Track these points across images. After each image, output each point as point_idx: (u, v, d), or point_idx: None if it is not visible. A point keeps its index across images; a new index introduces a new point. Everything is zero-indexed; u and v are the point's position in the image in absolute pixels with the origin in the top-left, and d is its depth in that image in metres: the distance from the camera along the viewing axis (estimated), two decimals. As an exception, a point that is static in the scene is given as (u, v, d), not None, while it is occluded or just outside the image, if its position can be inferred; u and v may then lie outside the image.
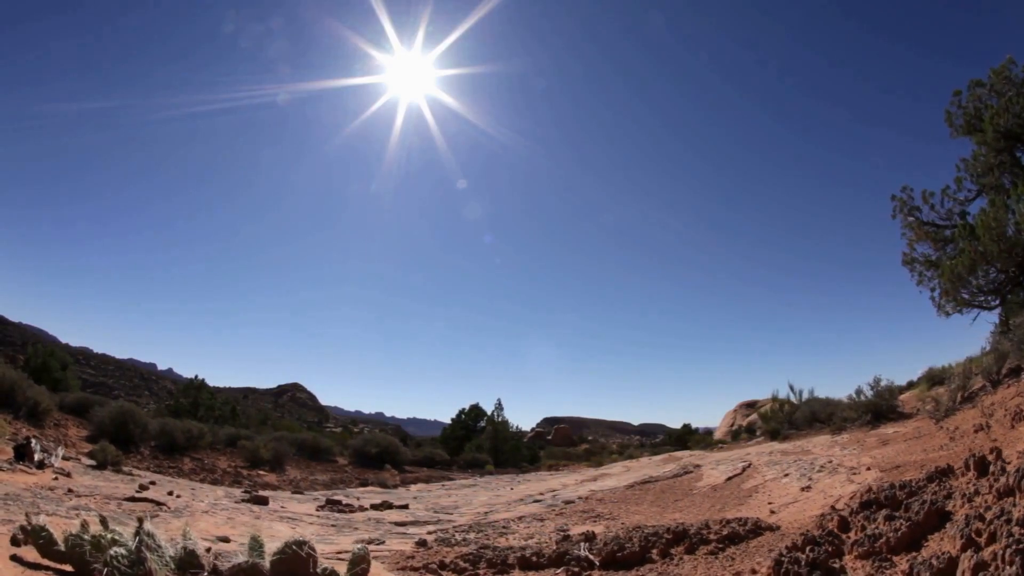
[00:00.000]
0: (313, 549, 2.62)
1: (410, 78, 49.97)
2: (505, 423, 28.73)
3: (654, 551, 3.40)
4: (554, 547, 3.74)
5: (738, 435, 33.92)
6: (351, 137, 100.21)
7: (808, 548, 2.39)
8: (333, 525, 7.09)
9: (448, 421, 31.33)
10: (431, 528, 6.99)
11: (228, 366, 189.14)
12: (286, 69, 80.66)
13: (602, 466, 18.98)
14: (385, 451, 18.12)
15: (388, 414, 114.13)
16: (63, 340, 57.12)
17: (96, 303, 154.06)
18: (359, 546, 2.80)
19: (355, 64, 70.31)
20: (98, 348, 69.70)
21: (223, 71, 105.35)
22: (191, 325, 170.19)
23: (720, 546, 3.37)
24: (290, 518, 7.34)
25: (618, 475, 11.43)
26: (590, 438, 54.71)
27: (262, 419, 36.07)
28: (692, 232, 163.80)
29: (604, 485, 9.61)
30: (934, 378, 13.71)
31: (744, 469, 8.21)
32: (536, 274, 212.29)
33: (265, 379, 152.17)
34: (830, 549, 2.35)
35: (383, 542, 5.54)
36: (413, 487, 14.47)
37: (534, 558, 3.54)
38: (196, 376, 26.21)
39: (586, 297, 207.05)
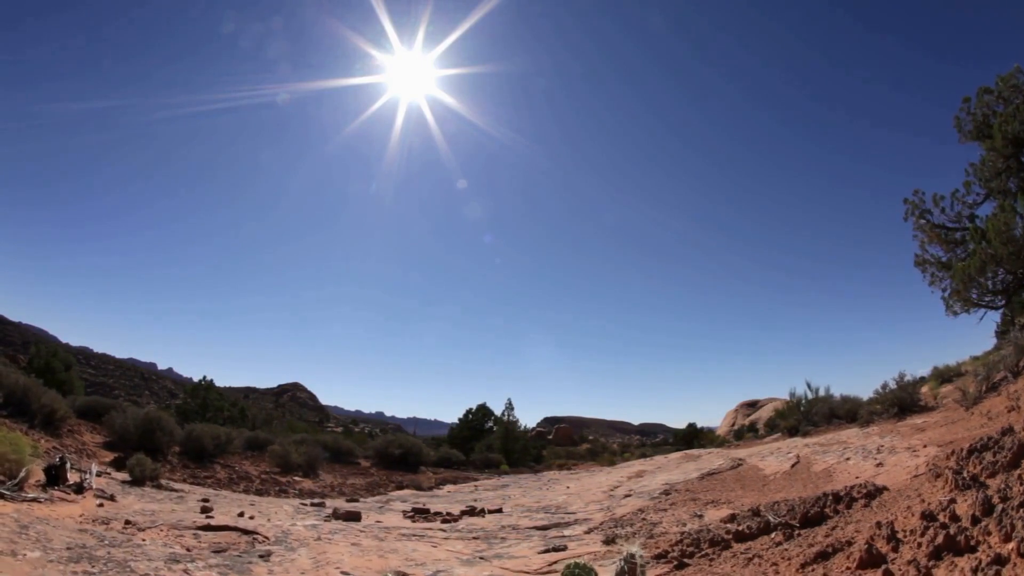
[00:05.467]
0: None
1: (410, 78, 50.53)
2: (515, 423, 29.05)
3: (827, 509, 4.05)
4: (726, 525, 4.20)
5: (741, 434, 34.56)
6: (351, 137, 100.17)
7: (964, 472, 3.50)
8: (475, 538, 6.43)
9: (448, 420, 31.60)
10: (579, 530, 6.57)
11: (228, 366, 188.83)
12: (286, 69, 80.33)
13: (616, 465, 19.28)
14: (409, 452, 18.13)
15: (388, 414, 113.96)
16: (63, 340, 56.15)
17: (96, 303, 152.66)
18: (637, 550, 2.95)
19: (355, 64, 70.43)
20: (98, 348, 69.07)
21: (223, 71, 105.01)
22: (191, 325, 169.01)
23: (867, 501, 4.24)
24: (416, 535, 6.57)
25: (657, 472, 11.75)
26: (591, 438, 55.11)
27: (267, 419, 35.90)
28: (692, 232, 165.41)
29: (669, 478, 9.85)
30: (942, 375, 14.35)
31: (798, 459, 8.69)
32: (536, 274, 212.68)
33: (265, 379, 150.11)
34: (968, 476, 3.39)
35: (565, 548, 5.40)
36: (445, 488, 14.47)
37: (746, 530, 4.07)
38: (204, 377, 26.01)
39: (586, 297, 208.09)
